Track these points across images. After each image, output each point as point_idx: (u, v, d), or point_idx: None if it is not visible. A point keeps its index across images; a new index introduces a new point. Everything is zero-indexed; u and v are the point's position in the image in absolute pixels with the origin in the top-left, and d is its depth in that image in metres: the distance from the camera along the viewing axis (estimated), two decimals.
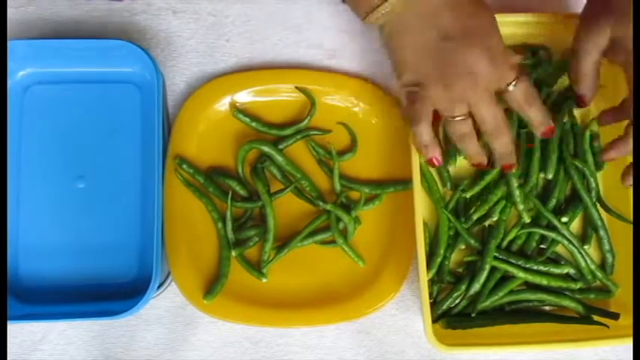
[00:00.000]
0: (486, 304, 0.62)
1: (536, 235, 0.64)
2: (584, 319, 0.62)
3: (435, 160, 0.58)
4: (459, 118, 0.54)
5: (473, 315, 0.61)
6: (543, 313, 0.64)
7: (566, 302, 0.62)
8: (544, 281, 0.62)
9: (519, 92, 0.53)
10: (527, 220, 0.63)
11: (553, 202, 0.64)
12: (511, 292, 0.63)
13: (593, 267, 0.63)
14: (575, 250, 0.63)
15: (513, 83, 0.53)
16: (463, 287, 0.62)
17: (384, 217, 0.65)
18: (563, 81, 0.65)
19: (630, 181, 0.58)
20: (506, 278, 0.63)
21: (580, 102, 0.60)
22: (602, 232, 0.64)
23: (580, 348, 0.64)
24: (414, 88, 0.54)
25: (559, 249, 0.64)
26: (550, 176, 0.63)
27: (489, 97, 0.53)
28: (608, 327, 0.60)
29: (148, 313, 0.64)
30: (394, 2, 0.51)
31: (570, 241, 0.63)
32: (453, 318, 0.62)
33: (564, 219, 0.64)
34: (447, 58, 0.51)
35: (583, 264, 0.63)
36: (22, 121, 0.66)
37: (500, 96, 0.54)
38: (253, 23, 0.70)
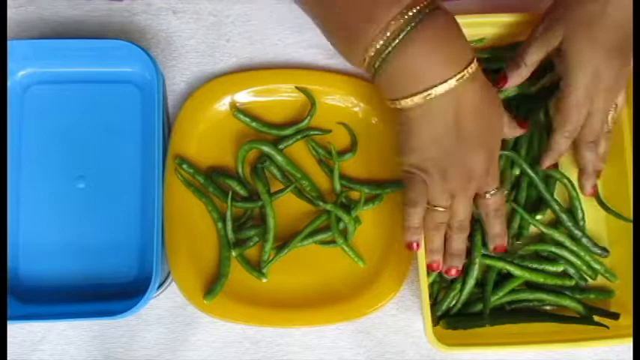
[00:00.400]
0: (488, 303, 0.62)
1: (514, 227, 0.64)
2: (584, 319, 0.62)
3: (413, 245, 0.58)
4: (441, 209, 0.56)
5: (486, 312, 0.61)
6: (543, 313, 0.64)
7: (566, 302, 0.62)
8: (540, 279, 0.62)
9: (493, 202, 0.57)
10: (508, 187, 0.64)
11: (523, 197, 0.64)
12: (511, 291, 0.63)
13: (588, 258, 0.63)
14: (566, 251, 0.63)
15: (492, 192, 0.57)
16: (459, 286, 0.62)
17: (384, 217, 0.65)
18: None
19: (588, 190, 0.63)
20: (506, 278, 0.63)
21: (500, 81, 0.61)
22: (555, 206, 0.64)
23: (580, 348, 0.64)
24: (416, 170, 0.56)
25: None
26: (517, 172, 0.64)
27: (471, 196, 0.56)
28: (608, 327, 0.60)
29: (148, 313, 0.64)
30: (429, 95, 0.50)
31: (554, 239, 0.63)
32: (453, 318, 0.62)
33: (538, 217, 0.64)
34: (456, 155, 0.53)
35: (578, 262, 0.63)
36: (22, 121, 0.66)
37: (474, 197, 0.57)
38: (253, 23, 0.70)
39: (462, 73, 0.50)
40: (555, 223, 0.64)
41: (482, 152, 0.53)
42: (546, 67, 0.61)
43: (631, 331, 0.59)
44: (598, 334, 0.60)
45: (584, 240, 0.63)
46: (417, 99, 0.51)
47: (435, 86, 0.50)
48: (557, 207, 0.63)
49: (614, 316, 0.61)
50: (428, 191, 0.56)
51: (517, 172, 0.64)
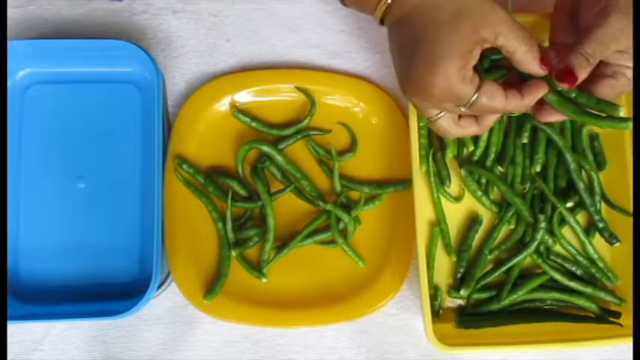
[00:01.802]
0: (506, 302, 0.62)
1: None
2: (598, 318, 0.62)
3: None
4: (436, 117, 0.55)
5: (498, 303, 0.61)
6: (556, 312, 0.63)
7: (581, 302, 0.62)
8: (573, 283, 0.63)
9: (483, 99, 0.52)
10: (537, 169, 0.64)
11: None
12: (530, 291, 0.62)
13: (594, 255, 0.63)
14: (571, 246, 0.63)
15: (474, 98, 0.51)
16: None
17: (384, 217, 0.65)
18: None
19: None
20: (525, 277, 0.63)
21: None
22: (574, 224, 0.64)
23: (580, 348, 0.64)
24: (404, 93, 0.55)
25: (559, 249, 0.64)
26: (538, 168, 0.64)
27: (458, 108, 0.52)
28: (621, 325, 0.60)
29: (148, 313, 0.64)
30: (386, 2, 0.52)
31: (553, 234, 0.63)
32: (465, 317, 0.62)
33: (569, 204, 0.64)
34: (412, 76, 0.52)
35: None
36: (22, 121, 0.66)
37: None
38: (253, 23, 0.70)
39: None
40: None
41: (435, 76, 0.50)
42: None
43: (631, 330, 0.59)
44: (598, 334, 0.60)
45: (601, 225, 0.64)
46: (381, 7, 0.52)
47: None
48: (582, 185, 0.63)
49: (616, 314, 0.61)
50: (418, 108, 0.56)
51: (537, 168, 0.64)
